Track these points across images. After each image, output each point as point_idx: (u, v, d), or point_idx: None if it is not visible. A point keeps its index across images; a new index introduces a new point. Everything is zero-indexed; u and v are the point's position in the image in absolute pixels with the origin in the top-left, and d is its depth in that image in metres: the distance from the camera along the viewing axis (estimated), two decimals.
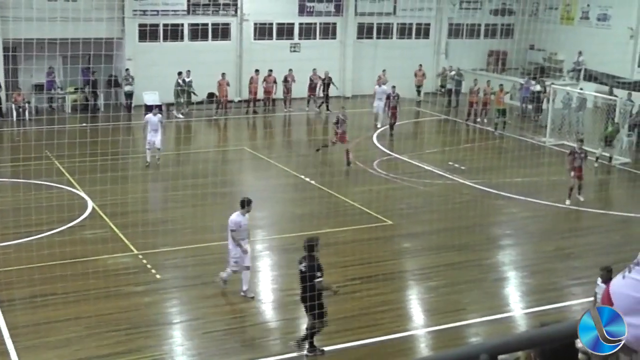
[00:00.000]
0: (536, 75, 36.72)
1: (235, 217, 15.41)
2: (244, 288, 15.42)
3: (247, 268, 15.46)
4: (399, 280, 17.02)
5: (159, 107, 30.13)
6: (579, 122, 31.42)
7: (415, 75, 37.39)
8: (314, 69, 35.53)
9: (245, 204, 15.42)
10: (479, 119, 33.15)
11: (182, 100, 33.53)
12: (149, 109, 29.44)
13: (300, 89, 35.19)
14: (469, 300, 15.66)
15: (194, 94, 33.71)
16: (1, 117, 31.72)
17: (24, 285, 15.24)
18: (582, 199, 21.99)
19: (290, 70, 34.98)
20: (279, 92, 35.06)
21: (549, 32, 38.40)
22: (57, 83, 33.69)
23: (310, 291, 12.94)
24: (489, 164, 25.49)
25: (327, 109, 35.00)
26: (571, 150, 22.53)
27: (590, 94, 32.46)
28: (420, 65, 37.48)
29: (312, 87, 35.71)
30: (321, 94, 35.65)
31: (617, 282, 1.98)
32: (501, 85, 32.52)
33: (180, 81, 33.32)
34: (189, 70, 33.28)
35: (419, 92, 37.46)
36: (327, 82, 35.56)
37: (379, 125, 31.78)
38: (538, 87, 34.12)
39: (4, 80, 31.88)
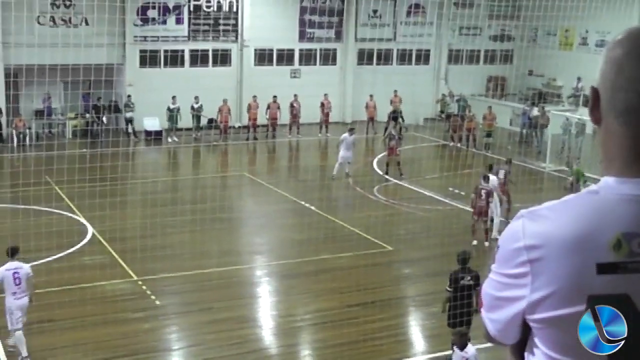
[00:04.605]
0: (534, 101, 36.84)
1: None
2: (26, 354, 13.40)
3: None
4: (398, 306, 16.96)
5: (352, 129, 28.03)
6: (578, 148, 31.47)
7: (391, 102, 36.37)
8: (325, 94, 35.76)
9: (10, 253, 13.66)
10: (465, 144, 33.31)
11: (172, 125, 33.46)
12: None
13: (304, 115, 35.22)
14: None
15: (204, 116, 33.84)
16: (1, 143, 31.76)
17: None
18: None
19: (295, 95, 34.97)
20: (283, 118, 35.09)
21: (548, 58, 38.53)
22: (58, 109, 33.74)
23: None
24: None
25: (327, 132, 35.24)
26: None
27: (589, 119, 32.49)
28: (395, 91, 36.57)
29: (325, 113, 35.87)
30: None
31: (484, 283, 2.10)
32: (489, 107, 33.84)
33: (171, 107, 33.19)
34: (197, 96, 33.30)
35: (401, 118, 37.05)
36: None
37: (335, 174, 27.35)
38: (535, 112, 34.24)
39: (4, 106, 31.91)
